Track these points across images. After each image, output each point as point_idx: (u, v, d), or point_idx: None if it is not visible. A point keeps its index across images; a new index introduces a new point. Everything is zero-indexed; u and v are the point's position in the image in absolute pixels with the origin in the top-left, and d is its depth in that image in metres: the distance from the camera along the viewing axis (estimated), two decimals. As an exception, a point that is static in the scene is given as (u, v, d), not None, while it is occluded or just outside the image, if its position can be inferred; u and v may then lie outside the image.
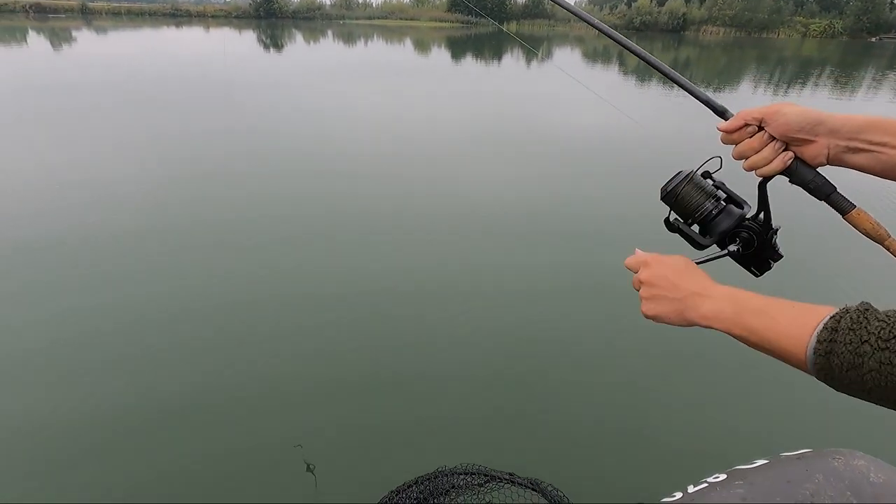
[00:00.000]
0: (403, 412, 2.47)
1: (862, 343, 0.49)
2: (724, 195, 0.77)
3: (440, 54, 25.35)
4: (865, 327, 0.50)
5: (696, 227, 0.78)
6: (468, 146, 7.60)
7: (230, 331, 3.05)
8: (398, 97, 11.83)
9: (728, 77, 18.24)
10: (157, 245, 4.06)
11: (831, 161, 0.70)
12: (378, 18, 58.05)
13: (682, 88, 0.82)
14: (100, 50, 21.06)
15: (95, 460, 2.17)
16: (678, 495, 1.01)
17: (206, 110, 9.39)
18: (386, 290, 3.56)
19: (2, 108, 8.76)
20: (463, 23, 57.12)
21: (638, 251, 0.78)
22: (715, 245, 0.77)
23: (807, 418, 2.49)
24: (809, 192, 0.71)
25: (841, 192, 0.70)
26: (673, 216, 0.79)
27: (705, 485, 1.00)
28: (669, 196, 0.77)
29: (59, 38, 25.29)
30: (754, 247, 0.75)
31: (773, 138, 0.71)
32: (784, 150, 0.71)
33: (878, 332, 0.49)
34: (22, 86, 10.99)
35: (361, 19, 57.28)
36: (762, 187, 0.73)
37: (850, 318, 0.51)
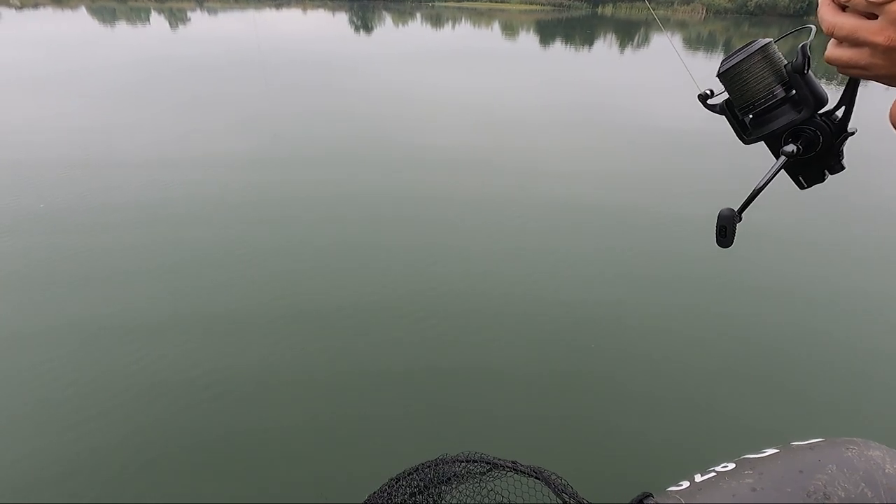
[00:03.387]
0: (409, 401, 2.46)
1: None
2: (799, 79, 0.57)
3: (528, 38, 24.57)
4: None
5: (749, 117, 0.62)
6: (560, 133, 7.23)
7: (246, 313, 3.08)
8: (483, 82, 11.57)
9: (858, 70, 15.84)
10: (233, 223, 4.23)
11: None
12: (467, 1, 57.52)
13: None
14: (215, 28, 22.74)
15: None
16: (685, 484, 0.94)
17: (307, 90, 9.77)
18: (403, 276, 3.52)
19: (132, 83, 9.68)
20: (554, 5, 55.07)
21: None
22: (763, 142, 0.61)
23: (818, 408, 2.45)
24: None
25: None
26: (724, 98, 0.62)
27: (713, 474, 0.94)
28: (729, 74, 0.60)
29: (176, 18, 27.69)
30: (816, 150, 0.59)
31: None
32: None
33: None
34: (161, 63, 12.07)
35: (451, 1, 57.09)
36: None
37: None
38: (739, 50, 0.60)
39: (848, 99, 0.58)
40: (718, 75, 0.62)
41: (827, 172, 0.62)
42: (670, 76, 11.44)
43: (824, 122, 0.59)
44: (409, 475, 1.05)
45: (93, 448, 2.18)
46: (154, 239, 3.93)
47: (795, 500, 0.85)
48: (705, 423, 2.37)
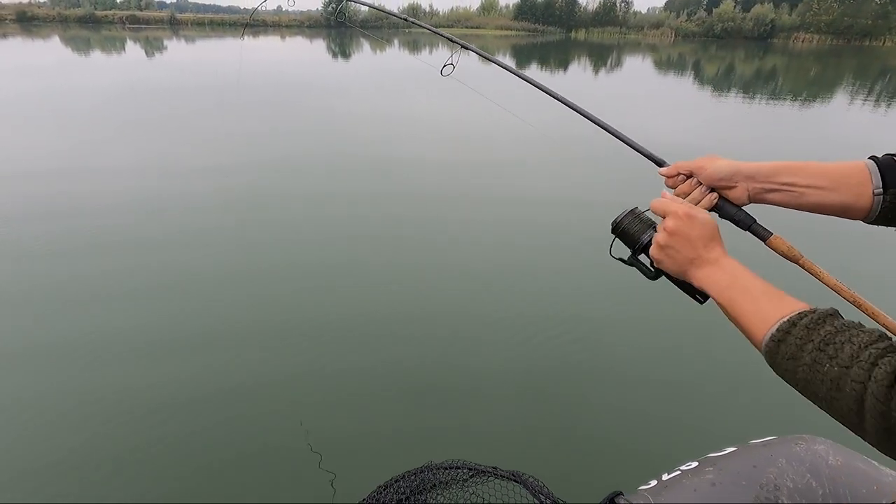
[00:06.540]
0: (395, 414, 2.47)
1: (808, 342, 0.57)
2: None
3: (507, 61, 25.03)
4: (817, 330, 0.57)
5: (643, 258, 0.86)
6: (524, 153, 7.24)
7: (233, 323, 3.00)
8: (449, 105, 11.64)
9: (819, 88, 16.51)
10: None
11: (753, 200, 0.81)
12: (444, 27, 58.83)
13: (623, 142, 1.00)
14: (193, 56, 22.61)
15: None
16: (653, 482, 1.03)
17: (281, 114, 9.70)
18: (385, 291, 3.50)
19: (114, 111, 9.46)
20: (529, 31, 56.68)
21: (668, 196, 0.80)
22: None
23: (778, 408, 2.58)
24: (736, 224, 0.82)
25: (760, 222, 0.80)
26: (618, 245, 0.88)
27: (678, 472, 1.03)
28: (617, 228, 0.87)
29: (152, 46, 27.54)
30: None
31: (701, 184, 0.83)
32: (711, 192, 0.83)
33: (824, 336, 0.56)
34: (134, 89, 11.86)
35: (426, 28, 58.23)
36: None
37: (810, 319, 0.58)
38: (620, 216, 0.86)
39: None
40: (612, 231, 0.87)
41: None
42: (646, 94, 11.67)
43: None
44: (395, 482, 1.14)
45: (93, 455, 2.12)
46: (138, 260, 3.78)
47: (749, 492, 0.95)
48: (675, 425, 2.45)
